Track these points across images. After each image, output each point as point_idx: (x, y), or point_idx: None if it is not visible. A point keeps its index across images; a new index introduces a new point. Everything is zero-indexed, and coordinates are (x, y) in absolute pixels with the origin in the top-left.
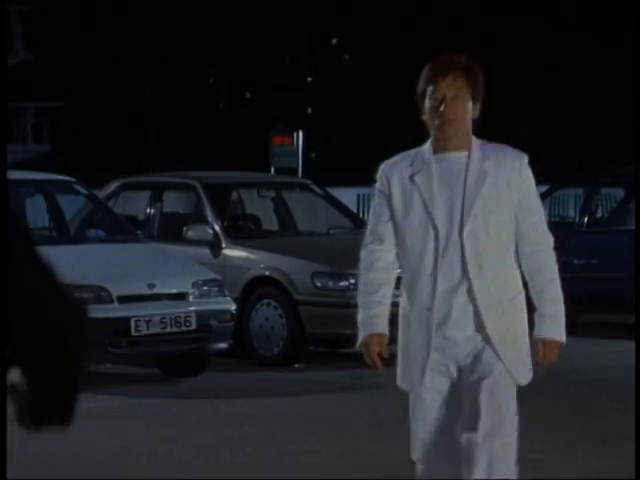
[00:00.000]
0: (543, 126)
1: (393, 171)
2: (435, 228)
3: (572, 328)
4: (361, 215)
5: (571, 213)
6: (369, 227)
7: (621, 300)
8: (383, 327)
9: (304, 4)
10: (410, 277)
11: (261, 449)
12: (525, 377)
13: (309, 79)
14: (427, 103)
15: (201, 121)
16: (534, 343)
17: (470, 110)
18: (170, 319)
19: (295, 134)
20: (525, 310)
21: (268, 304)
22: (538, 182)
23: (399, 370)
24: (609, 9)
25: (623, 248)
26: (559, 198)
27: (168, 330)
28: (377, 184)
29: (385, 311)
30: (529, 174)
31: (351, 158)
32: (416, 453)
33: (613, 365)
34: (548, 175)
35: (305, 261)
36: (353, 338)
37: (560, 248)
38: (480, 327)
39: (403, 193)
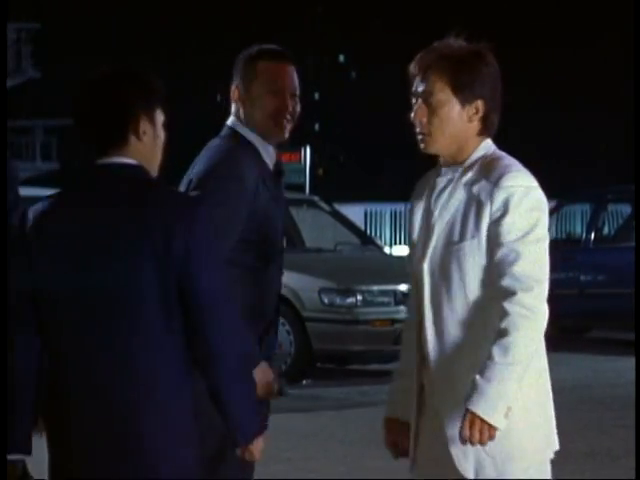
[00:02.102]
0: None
1: (417, 188)
2: (412, 262)
3: (579, 344)
4: (368, 231)
5: (578, 229)
6: None
7: (629, 316)
8: (399, 409)
9: (312, 21)
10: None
11: (268, 465)
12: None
13: (316, 96)
14: None
15: (209, 137)
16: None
17: (456, 115)
18: None
19: (302, 151)
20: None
21: None
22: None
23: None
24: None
25: (630, 264)
26: (566, 214)
27: None
28: None
29: (410, 382)
30: (510, 197)
31: (358, 175)
32: None
33: (620, 382)
34: (555, 191)
35: (312, 277)
36: (360, 354)
37: (567, 264)
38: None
39: (412, 217)
